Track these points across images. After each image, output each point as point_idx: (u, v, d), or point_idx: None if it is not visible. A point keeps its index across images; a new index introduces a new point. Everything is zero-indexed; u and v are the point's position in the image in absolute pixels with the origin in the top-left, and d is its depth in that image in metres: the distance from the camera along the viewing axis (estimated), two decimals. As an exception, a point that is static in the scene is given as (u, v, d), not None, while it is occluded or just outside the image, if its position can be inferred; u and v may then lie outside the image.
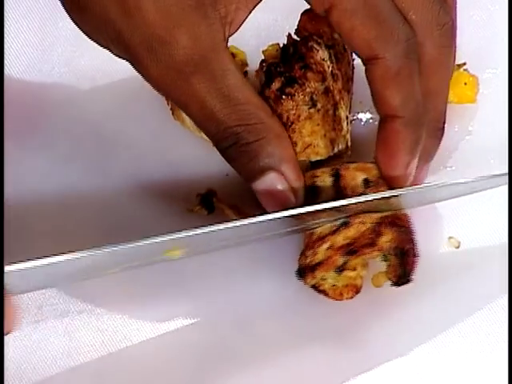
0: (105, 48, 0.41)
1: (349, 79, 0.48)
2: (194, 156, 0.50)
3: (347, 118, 0.47)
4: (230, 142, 0.41)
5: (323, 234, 0.44)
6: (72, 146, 0.51)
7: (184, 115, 0.49)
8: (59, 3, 0.54)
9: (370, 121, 0.51)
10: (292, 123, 0.45)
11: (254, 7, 0.40)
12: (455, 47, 0.43)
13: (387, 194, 0.43)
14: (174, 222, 0.49)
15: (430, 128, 0.43)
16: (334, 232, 0.44)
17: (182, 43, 0.38)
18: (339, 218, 0.43)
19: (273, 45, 0.47)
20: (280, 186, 0.42)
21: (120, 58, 0.41)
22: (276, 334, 0.47)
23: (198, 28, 0.38)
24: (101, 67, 0.53)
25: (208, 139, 0.49)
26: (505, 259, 0.48)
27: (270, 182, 0.42)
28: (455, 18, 0.43)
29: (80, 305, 0.48)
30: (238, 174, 0.43)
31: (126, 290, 0.48)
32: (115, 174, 0.50)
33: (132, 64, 0.41)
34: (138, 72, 0.41)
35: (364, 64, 0.42)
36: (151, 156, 0.51)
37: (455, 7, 0.44)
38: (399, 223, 0.43)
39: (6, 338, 0.45)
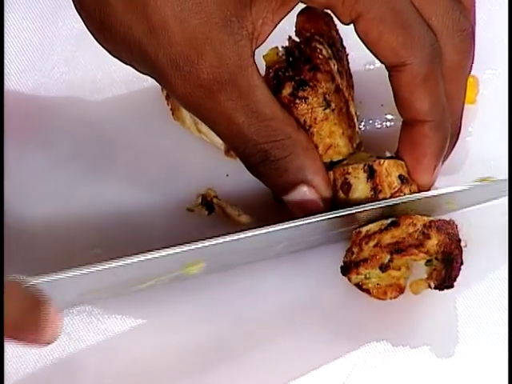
0: (128, 65, 0.42)
1: (350, 76, 0.48)
2: (194, 156, 0.50)
3: (355, 113, 0.47)
4: (258, 159, 0.41)
5: (371, 231, 0.44)
6: (72, 145, 0.51)
7: (184, 115, 0.49)
8: (59, 3, 0.54)
9: (370, 121, 0.51)
10: (310, 126, 0.45)
11: (281, 20, 0.41)
12: (473, 53, 0.43)
13: (397, 200, 0.44)
14: (174, 222, 0.49)
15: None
16: (381, 230, 0.44)
17: (208, 62, 0.38)
18: (388, 218, 0.44)
19: (272, 49, 0.47)
20: (311, 197, 0.43)
21: (145, 74, 0.41)
22: (278, 333, 0.47)
23: (225, 46, 0.39)
24: (101, 67, 0.53)
25: (208, 140, 0.49)
26: (505, 259, 0.48)
27: (302, 194, 0.43)
28: (474, 23, 0.43)
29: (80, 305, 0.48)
30: (268, 188, 0.44)
31: (125, 291, 0.48)
32: (115, 173, 0.50)
33: (158, 82, 0.41)
34: (165, 89, 0.41)
35: (388, 71, 0.42)
36: (151, 156, 0.51)
37: (474, 13, 0.44)
38: (448, 228, 0.43)
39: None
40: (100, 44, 0.41)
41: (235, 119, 0.40)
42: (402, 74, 0.41)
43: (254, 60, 0.40)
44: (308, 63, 0.45)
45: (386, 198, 0.44)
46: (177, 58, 0.38)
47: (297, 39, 0.47)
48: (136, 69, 0.41)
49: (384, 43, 0.40)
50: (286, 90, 0.45)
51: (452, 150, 0.46)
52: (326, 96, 0.45)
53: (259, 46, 0.40)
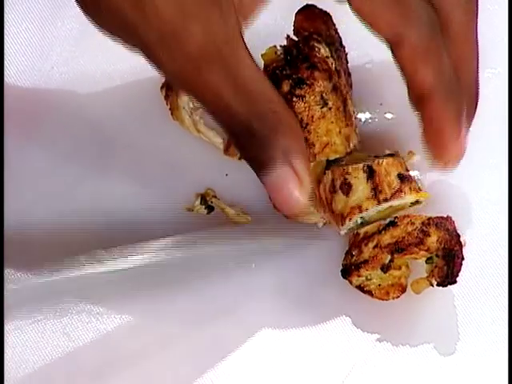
0: (116, 41, 0.41)
1: (349, 75, 0.49)
2: (193, 156, 0.50)
3: (354, 112, 0.47)
4: (242, 133, 0.41)
5: (370, 232, 0.45)
6: (71, 145, 0.51)
7: (183, 115, 0.49)
8: (58, 3, 0.54)
9: (369, 120, 0.51)
10: (307, 124, 0.45)
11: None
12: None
13: None
14: (173, 221, 0.49)
15: (465, 95, 0.43)
16: (380, 231, 0.44)
17: (196, 36, 0.38)
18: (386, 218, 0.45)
19: (271, 47, 0.47)
20: (289, 179, 0.42)
21: (132, 50, 0.41)
22: (277, 333, 0.47)
23: (213, 21, 0.38)
24: (100, 67, 0.53)
25: (207, 139, 0.49)
26: (505, 259, 0.48)
27: (280, 174, 0.41)
28: None
29: (80, 305, 0.48)
30: (248, 164, 0.43)
31: (124, 290, 0.48)
32: (114, 173, 0.50)
33: (145, 57, 0.40)
34: (152, 65, 0.41)
35: (390, 48, 0.41)
36: (150, 156, 0.51)
37: None
38: (446, 225, 0.44)
39: (6, 338, 0.45)
40: (89, 19, 0.41)
41: (222, 95, 0.39)
42: (402, 48, 0.40)
43: (242, 37, 0.40)
44: (306, 62, 0.45)
45: (387, 199, 0.44)
46: (164, 32, 0.38)
47: (295, 38, 0.47)
48: (125, 45, 0.41)
49: (379, 19, 0.40)
50: (284, 89, 0.45)
51: (475, 112, 0.45)
52: (324, 94, 0.45)
53: (249, 24, 0.40)
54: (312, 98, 0.45)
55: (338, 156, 0.46)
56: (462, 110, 0.43)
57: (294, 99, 0.44)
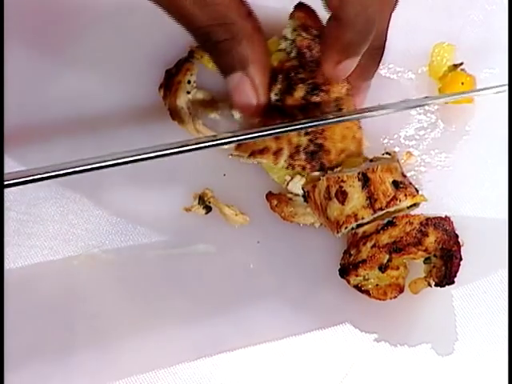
0: None
1: None
2: (192, 156, 0.50)
3: None
4: (203, 39, 0.43)
5: (368, 232, 0.45)
6: (71, 146, 0.51)
7: (182, 116, 0.49)
8: (56, 3, 0.54)
9: (369, 120, 0.51)
10: (322, 131, 0.45)
11: None
12: None
13: None
14: (172, 221, 0.49)
15: (370, 47, 0.44)
16: (378, 231, 0.44)
17: None
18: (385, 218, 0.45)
19: (272, 40, 0.47)
20: (245, 85, 0.44)
21: None
22: (276, 333, 0.47)
23: None
24: (100, 67, 0.52)
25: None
26: (504, 259, 0.48)
27: (237, 80, 0.44)
28: None
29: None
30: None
31: (123, 289, 0.48)
32: (114, 173, 0.50)
33: None
34: None
35: None
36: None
37: None
38: (445, 225, 0.44)
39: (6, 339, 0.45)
40: None
41: (182, 2, 0.41)
42: None
43: None
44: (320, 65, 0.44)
45: (382, 208, 0.44)
46: None
47: (308, 36, 0.46)
48: None
49: None
50: (298, 93, 0.45)
51: (376, 66, 0.46)
52: (339, 101, 0.45)
53: None
54: (328, 104, 0.44)
55: (354, 164, 0.45)
56: (360, 50, 0.43)
57: (310, 106, 0.44)
